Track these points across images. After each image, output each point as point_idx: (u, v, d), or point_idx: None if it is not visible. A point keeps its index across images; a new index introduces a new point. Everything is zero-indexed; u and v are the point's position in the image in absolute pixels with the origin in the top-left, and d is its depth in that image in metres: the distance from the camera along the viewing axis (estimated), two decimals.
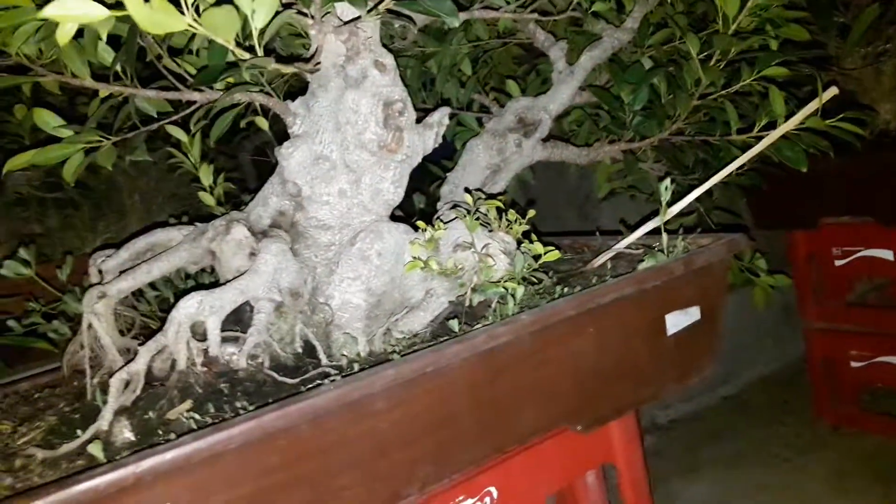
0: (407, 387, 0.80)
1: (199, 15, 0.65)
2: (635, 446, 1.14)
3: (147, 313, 1.19)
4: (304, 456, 0.74)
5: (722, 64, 1.20)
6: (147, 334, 1.15)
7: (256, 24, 0.66)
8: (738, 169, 1.12)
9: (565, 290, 1.02)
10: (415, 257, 0.96)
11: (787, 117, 1.09)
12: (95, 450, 0.73)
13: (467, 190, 1.05)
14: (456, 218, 1.01)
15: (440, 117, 1.08)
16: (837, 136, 1.11)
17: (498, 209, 1.03)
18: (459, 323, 0.92)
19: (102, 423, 0.79)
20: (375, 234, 0.98)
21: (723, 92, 1.22)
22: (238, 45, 0.67)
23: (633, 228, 1.23)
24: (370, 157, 1.00)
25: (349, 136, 0.99)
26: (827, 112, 1.10)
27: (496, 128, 1.38)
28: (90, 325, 0.96)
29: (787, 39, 1.29)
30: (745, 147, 1.20)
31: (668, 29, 1.33)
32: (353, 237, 0.99)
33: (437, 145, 1.08)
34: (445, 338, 0.94)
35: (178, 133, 1.18)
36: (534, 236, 1.02)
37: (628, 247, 1.15)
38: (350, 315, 0.97)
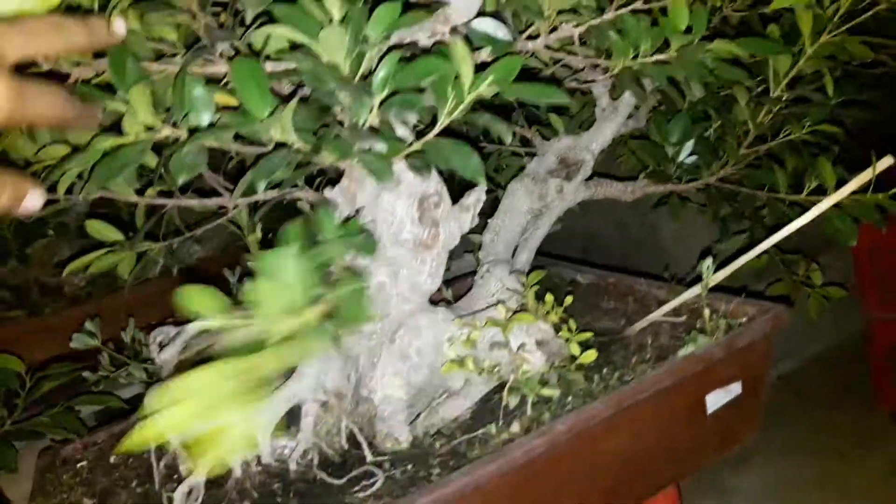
0: None
1: None
2: None
3: None
4: None
5: (769, 118, 1.14)
6: None
7: None
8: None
9: (604, 371, 1.03)
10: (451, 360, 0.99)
11: (839, 185, 1.05)
12: None
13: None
14: (492, 307, 1.03)
15: (476, 198, 1.08)
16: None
17: (536, 295, 1.04)
18: (496, 426, 0.95)
19: None
20: (414, 332, 1.00)
21: (772, 143, 1.17)
22: None
23: (675, 280, 1.23)
24: (407, 252, 1.01)
25: (386, 235, 1.00)
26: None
27: (537, 170, 1.37)
28: None
29: (846, 73, 1.22)
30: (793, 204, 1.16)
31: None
32: (392, 333, 1.02)
33: (473, 226, 1.08)
34: (482, 430, 0.97)
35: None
36: (572, 322, 1.03)
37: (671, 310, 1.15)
38: (392, 408, 1.01)
